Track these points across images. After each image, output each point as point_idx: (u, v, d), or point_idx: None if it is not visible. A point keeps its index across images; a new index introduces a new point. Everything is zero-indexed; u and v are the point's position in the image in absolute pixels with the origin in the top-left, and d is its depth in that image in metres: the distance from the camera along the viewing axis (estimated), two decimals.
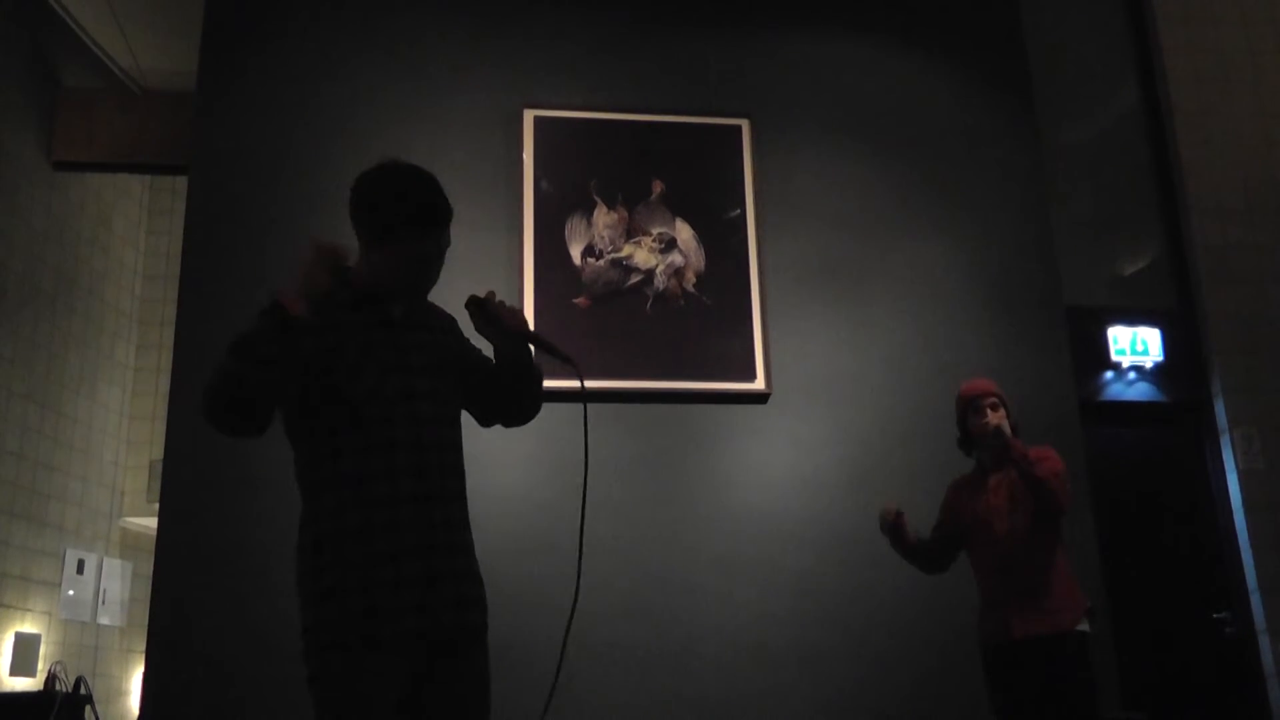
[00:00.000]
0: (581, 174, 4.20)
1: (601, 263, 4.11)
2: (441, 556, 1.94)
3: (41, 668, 5.49)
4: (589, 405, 3.88)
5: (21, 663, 5.40)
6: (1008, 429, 3.11)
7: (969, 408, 3.21)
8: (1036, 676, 2.97)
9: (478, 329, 2.16)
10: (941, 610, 3.83)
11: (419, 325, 2.09)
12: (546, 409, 3.87)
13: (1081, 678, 2.93)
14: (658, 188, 4.24)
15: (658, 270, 4.14)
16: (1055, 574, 3.04)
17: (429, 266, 2.05)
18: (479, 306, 2.14)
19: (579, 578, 2.14)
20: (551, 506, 3.77)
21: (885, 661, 3.85)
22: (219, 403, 1.86)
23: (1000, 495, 3.11)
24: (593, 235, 4.14)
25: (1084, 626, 3.00)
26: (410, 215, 1.99)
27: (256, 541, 3.65)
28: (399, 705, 1.87)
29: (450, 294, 2.37)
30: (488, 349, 2.19)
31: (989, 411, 3.15)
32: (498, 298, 2.16)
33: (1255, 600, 4.60)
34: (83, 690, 5.01)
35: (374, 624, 1.86)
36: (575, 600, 2.12)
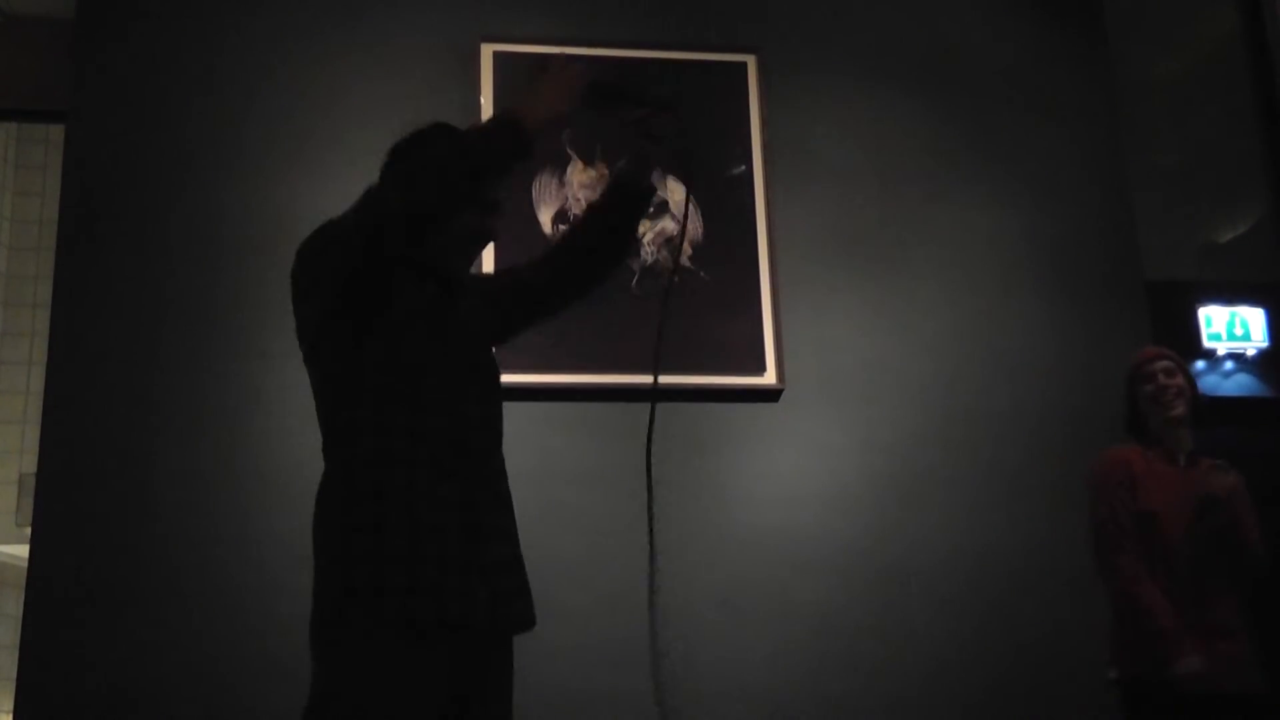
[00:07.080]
0: (552, 123, 4.23)
1: None
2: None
3: None
4: (577, 405, 3.98)
5: None
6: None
7: (1136, 376, 3.38)
8: None
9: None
10: (990, 654, 3.93)
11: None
12: (516, 408, 3.87)
13: None
14: None
15: (645, 240, 4.19)
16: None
17: None
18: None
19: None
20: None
21: (921, 715, 3.89)
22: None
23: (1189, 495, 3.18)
24: (566, 197, 4.18)
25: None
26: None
27: (153, 574, 3.67)
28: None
29: None
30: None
31: (1161, 377, 3.30)
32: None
33: None
34: None
35: (456, 605, 2.00)
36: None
